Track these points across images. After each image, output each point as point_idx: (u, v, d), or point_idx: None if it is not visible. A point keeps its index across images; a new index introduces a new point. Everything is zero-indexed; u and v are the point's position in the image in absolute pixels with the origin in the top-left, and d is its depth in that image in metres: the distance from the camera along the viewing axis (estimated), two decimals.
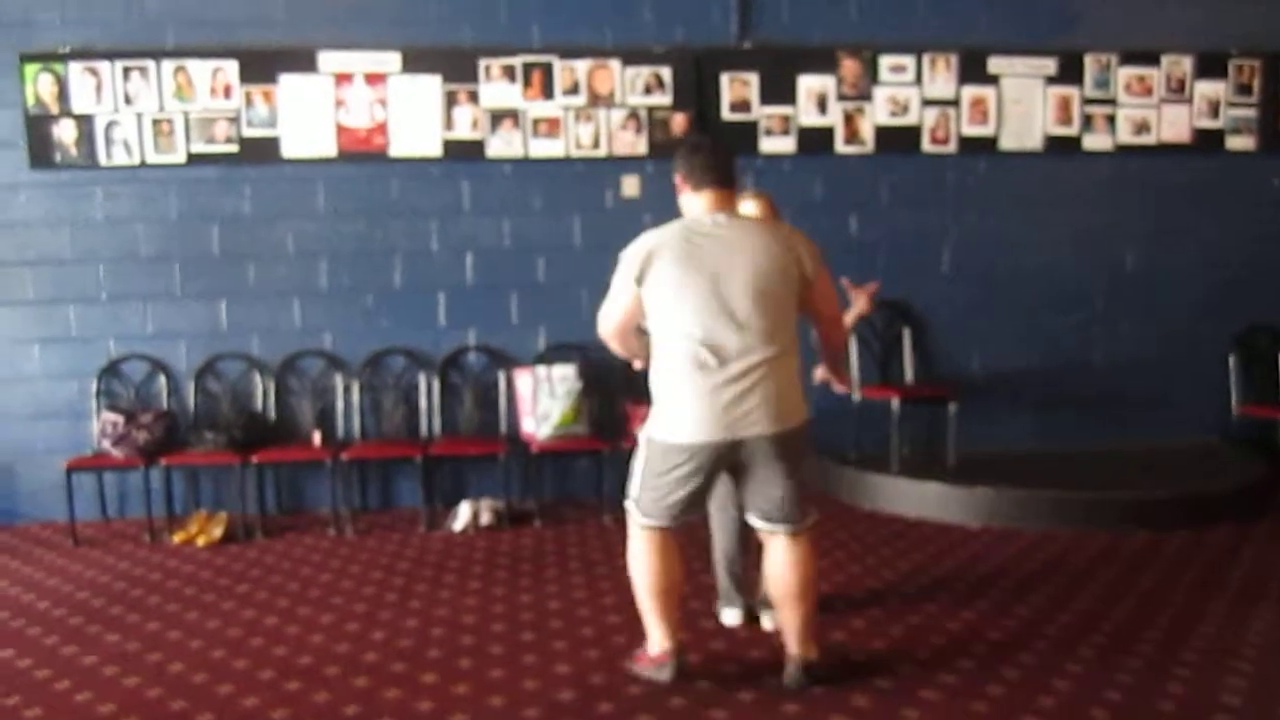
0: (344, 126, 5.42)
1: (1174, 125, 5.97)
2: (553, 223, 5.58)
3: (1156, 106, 5.94)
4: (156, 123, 5.33)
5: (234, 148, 5.38)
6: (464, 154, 5.49)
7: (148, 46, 5.29)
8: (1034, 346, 5.94)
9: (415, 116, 5.44)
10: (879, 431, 5.41)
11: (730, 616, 3.69)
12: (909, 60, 5.71)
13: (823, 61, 5.66)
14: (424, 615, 3.87)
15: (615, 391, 5.40)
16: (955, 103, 5.77)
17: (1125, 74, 5.89)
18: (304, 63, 5.36)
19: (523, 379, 5.43)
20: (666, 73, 5.53)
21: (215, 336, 5.46)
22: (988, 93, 5.79)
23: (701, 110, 5.58)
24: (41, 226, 5.33)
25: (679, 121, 5.56)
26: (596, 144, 5.54)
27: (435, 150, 5.48)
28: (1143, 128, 5.94)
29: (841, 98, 5.69)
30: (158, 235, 5.40)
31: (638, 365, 3.41)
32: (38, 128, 5.28)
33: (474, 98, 5.46)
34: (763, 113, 5.64)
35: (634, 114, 5.55)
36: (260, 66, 5.34)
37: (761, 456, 3.03)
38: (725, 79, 5.60)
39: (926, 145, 5.78)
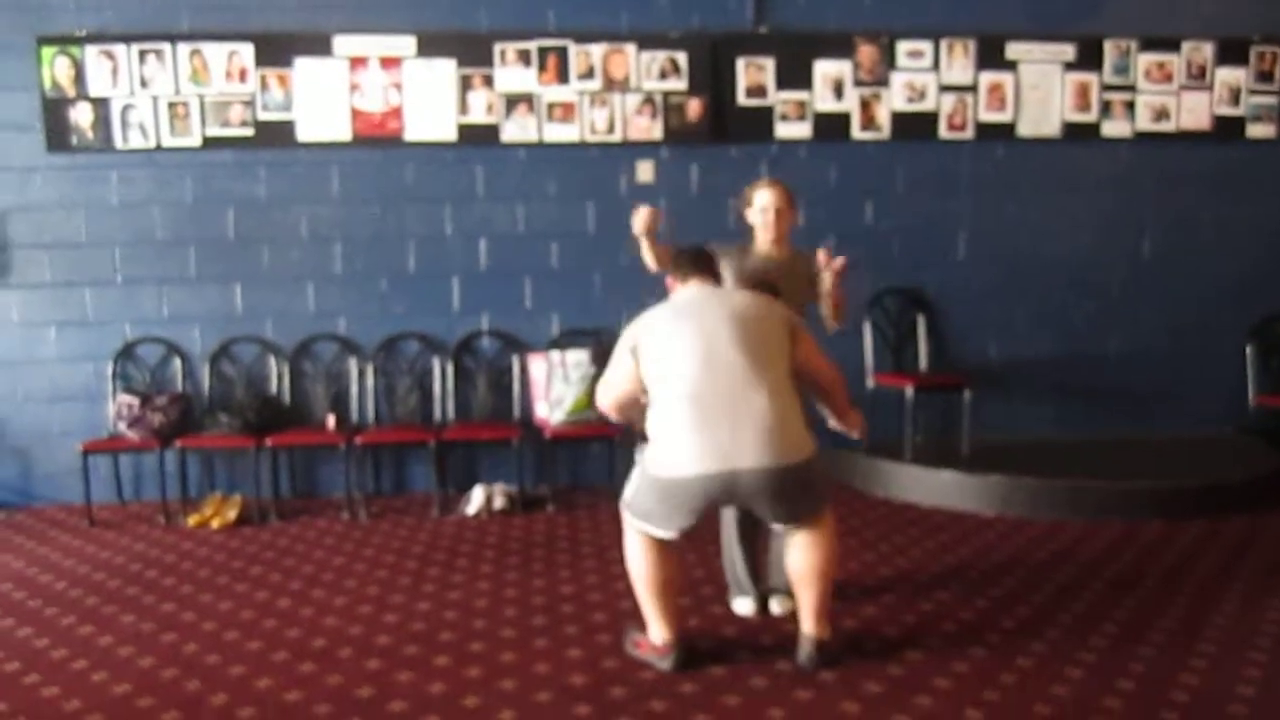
0: (359, 111, 5.42)
1: (1194, 112, 5.91)
2: (567, 208, 5.57)
3: (1176, 93, 5.88)
4: (172, 106, 5.34)
5: (249, 131, 5.38)
6: (479, 139, 5.48)
7: (163, 30, 5.30)
8: (1050, 335, 5.91)
9: (430, 101, 5.44)
10: (893, 419, 5.39)
11: (742, 605, 3.69)
12: (926, 46, 5.67)
13: (839, 47, 5.63)
14: (436, 599, 3.89)
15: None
16: (973, 89, 5.73)
17: (1145, 60, 5.83)
18: (319, 46, 5.36)
19: (536, 364, 5.43)
20: (682, 57, 5.50)
21: (230, 320, 5.48)
22: (1005, 79, 5.74)
23: (717, 95, 5.55)
24: (57, 209, 5.35)
25: (694, 107, 5.54)
26: (611, 129, 5.52)
27: (450, 135, 5.47)
28: (1162, 115, 5.88)
29: (858, 83, 5.66)
30: (173, 219, 5.42)
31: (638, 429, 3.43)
32: (54, 111, 5.29)
33: (489, 82, 5.45)
34: (778, 98, 5.61)
35: (649, 99, 5.52)
36: (275, 50, 5.34)
37: (761, 493, 3.03)
38: (741, 64, 5.57)
39: (943, 132, 5.74)
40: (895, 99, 5.69)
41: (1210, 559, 4.26)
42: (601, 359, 5.30)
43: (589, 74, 5.49)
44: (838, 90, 5.64)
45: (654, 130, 5.55)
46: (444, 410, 5.52)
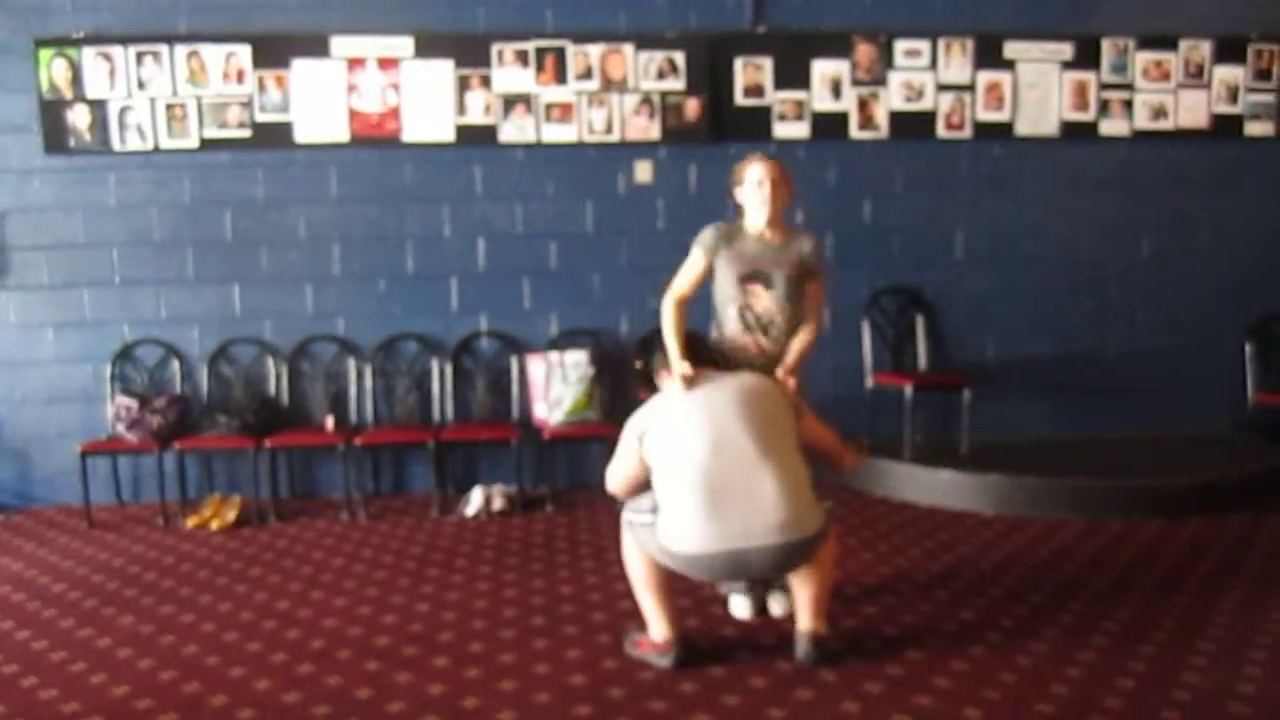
0: (356, 111, 5.41)
1: (1192, 111, 5.91)
2: (565, 208, 5.57)
3: (1174, 92, 5.88)
4: (170, 108, 5.33)
5: (247, 133, 5.38)
6: (477, 139, 5.48)
7: (161, 31, 5.29)
8: (1049, 334, 5.91)
9: (428, 101, 5.43)
10: (892, 418, 5.39)
11: (739, 607, 3.68)
12: (924, 45, 5.67)
13: (837, 46, 5.62)
14: (436, 600, 3.88)
15: (628, 377, 5.39)
16: (970, 88, 5.73)
17: (1143, 59, 5.83)
18: (317, 47, 5.36)
19: (535, 365, 5.43)
20: (680, 57, 5.50)
21: (228, 321, 5.47)
22: (1003, 78, 5.74)
23: (715, 95, 5.55)
24: (55, 211, 5.35)
25: (692, 106, 5.53)
26: (609, 129, 5.52)
27: (448, 135, 5.47)
28: (1160, 113, 5.88)
29: (856, 83, 5.65)
30: (171, 220, 5.41)
31: None
32: (52, 113, 5.29)
33: (486, 83, 5.45)
34: (776, 98, 5.61)
35: (647, 99, 5.52)
36: (273, 51, 5.34)
37: (768, 566, 3.06)
38: (739, 64, 5.57)
39: (941, 131, 5.74)
40: (893, 98, 5.69)
41: (1210, 557, 4.26)
42: (601, 360, 5.34)
43: (587, 74, 5.49)
44: (835, 90, 5.64)
45: (652, 130, 5.54)
46: (443, 411, 5.51)
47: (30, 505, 5.41)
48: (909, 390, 5.33)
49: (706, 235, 3.57)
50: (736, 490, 3.01)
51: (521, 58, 5.45)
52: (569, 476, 5.62)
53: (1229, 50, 5.89)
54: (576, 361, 5.34)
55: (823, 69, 5.63)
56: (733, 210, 3.71)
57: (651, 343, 3.57)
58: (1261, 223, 5.98)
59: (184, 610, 3.82)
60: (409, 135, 5.45)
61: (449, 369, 5.51)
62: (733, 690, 3.05)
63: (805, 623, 3.21)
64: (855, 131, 5.69)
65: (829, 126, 5.65)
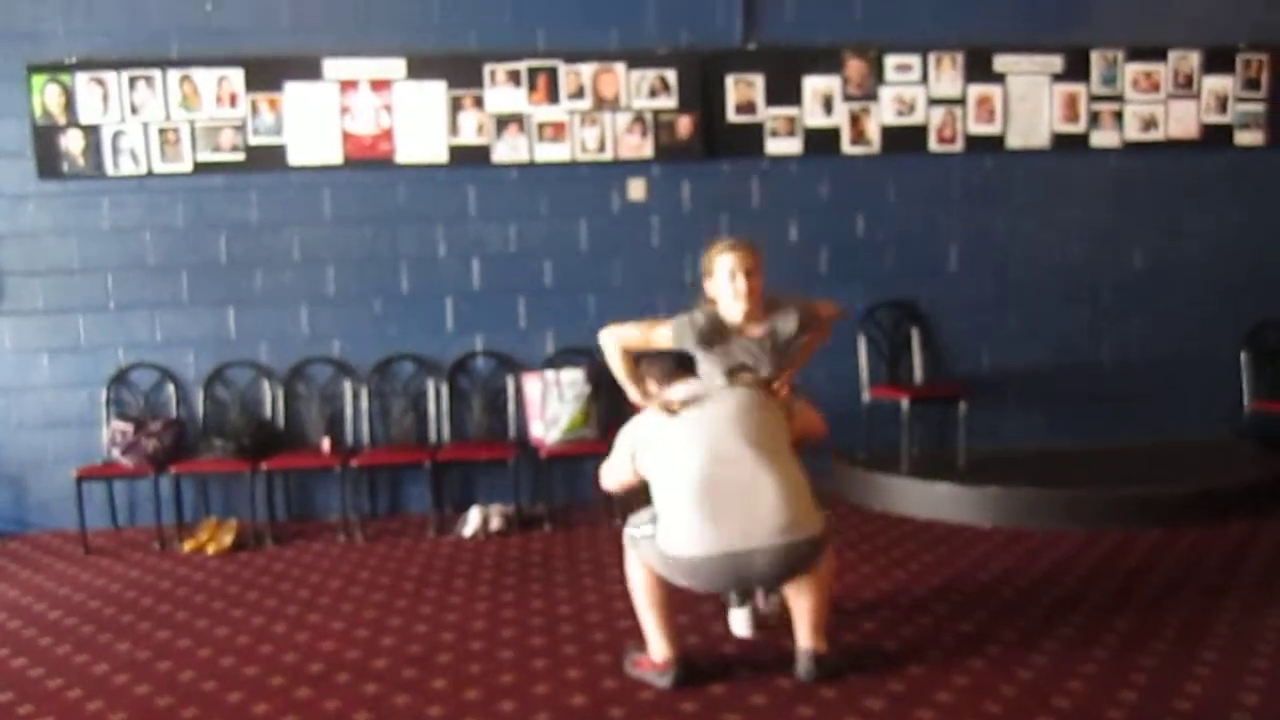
0: (350, 133, 5.43)
1: (1182, 121, 5.93)
2: (559, 227, 5.58)
3: (1164, 102, 5.90)
4: (163, 132, 5.34)
5: (240, 156, 5.39)
6: (470, 159, 5.49)
7: (153, 56, 5.30)
8: (1044, 344, 5.91)
9: (421, 122, 5.45)
10: (889, 432, 5.39)
11: (738, 623, 3.65)
12: (914, 59, 5.69)
13: (828, 62, 5.64)
14: (434, 621, 3.87)
15: (624, 395, 5.38)
16: (961, 101, 5.75)
17: (1132, 70, 5.86)
18: (309, 70, 5.37)
19: (531, 383, 5.43)
20: (671, 75, 5.52)
21: (223, 344, 5.47)
22: (994, 91, 5.76)
23: (707, 112, 5.56)
24: (49, 236, 5.35)
25: (684, 124, 5.55)
26: (602, 148, 5.53)
27: (441, 156, 5.48)
28: (1150, 124, 5.90)
29: (847, 98, 5.67)
30: (165, 244, 5.41)
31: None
32: (45, 138, 5.29)
33: (479, 103, 5.46)
34: (768, 114, 5.63)
35: (639, 117, 5.54)
36: (265, 74, 5.35)
37: (771, 568, 3.04)
38: (730, 81, 5.59)
39: (933, 144, 5.75)
40: (885, 113, 5.70)
41: (1210, 565, 4.26)
42: (597, 378, 5.33)
43: (579, 93, 5.51)
44: (827, 105, 5.66)
45: (645, 148, 5.56)
46: (439, 431, 5.51)
47: (26, 531, 5.39)
48: (905, 403, 5.33)
49: (687, 335, 3.31)
50: (735, 495, 3.01)
51: (514, 78, 5.47)
52: (566, 495, 5.60)
53: (1218, 60, 5.91)
54: (572, 380, 5.33)
55: (814, 85, 5.65)
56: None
57: (651, 360, 3.55)
58: (1254, 231, 5.99)
59: (180, 635, 3.80)
60: (402, 156, 5.46)
61: (445, 389, 5.51)
62: (733, 709, 3.04)
63: (805, 640, 3.19)
64: (847, 146, 5.70)
65: (821, 142, 5.66)
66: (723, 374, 3.34)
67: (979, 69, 5.73)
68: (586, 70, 5.49)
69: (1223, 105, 5.95)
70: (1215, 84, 5.93)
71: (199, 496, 5.44)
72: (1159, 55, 5.87)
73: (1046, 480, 5.08)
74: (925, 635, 3.58)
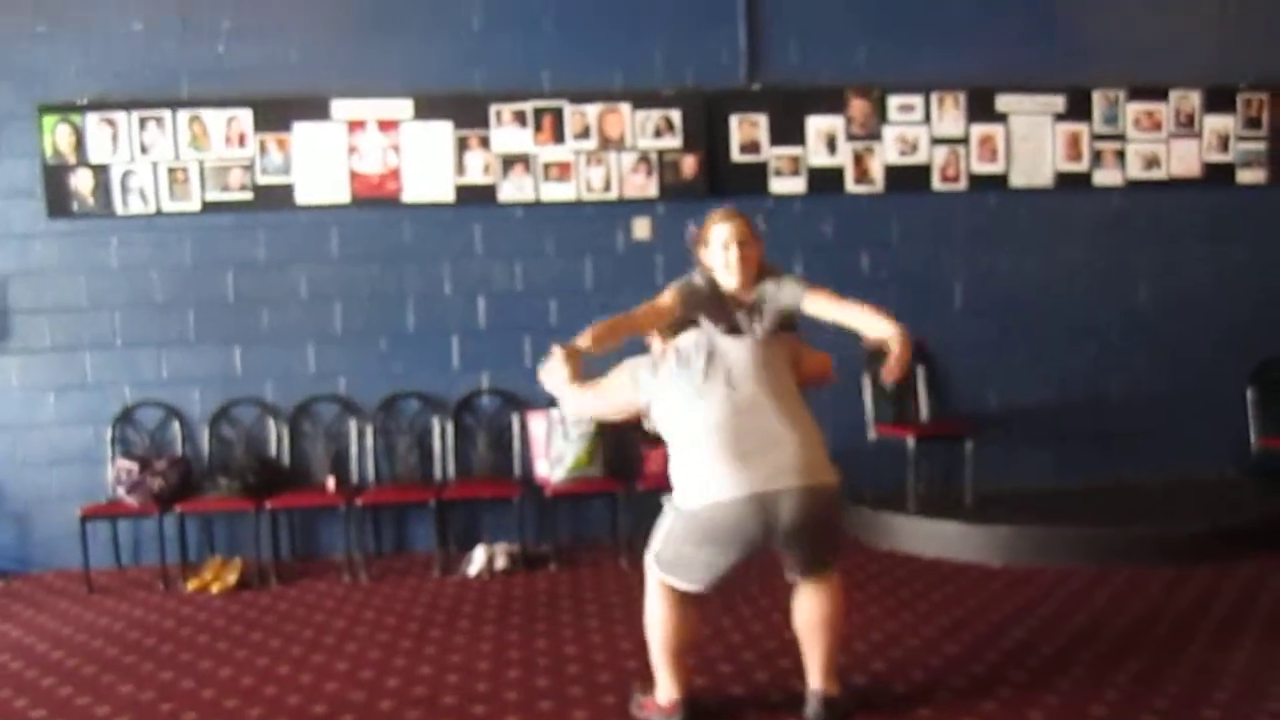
0: (357, 173, 5.47)
1: (1184, 160, 5.97)
2: (565, 266, 5.60)
3: (1166, 141, 5.95)
4: (172, 171, 5.39)
5: (248, 195, 5.43)
6: (476, 198, 5.52)
7: (163, 97, 5.36)
8: (1050, 382, 5.91)
9: (427, 162, 5.49)
10: (895, 471, 5.36)
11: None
12: (917, 99, 5.74)
13: (831, 102, 5.70)
14: (438, 662, 3.84)
15: (629, 433, 5.38)
16: (964, 141, 5.79)
17: (1134, 109, 5.90)
18: (317, 110, 5.42)
19: (536, 422, 5.42)
20: (676, 115, 5.56)
21: (229, 382, 5.47)
22: (996, 130, 5.81)
23: (711, 152, 5.60)
24: (58, 275, 5.38)
25: (689, 163, 5.59)
26: (608, 187, 5.57)
27: (448, 195, 5.52)
28: (1153, 163, 5.94)
29: (851, 137, 5.71)
30: (172, 282, 5.44)
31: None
32: (55, 178, 5.34)
33: (485, 143, 5.51)
34: (772, 154, 5.67)
35: (644, 157, 5.58)
36: (274, 115, 5.40)
37: (796, 517, 2.96)
38: (734, 120, 5.63)
39: (937, 183, 5.79)
40: (888, 152, 5.75)
41: (1221, 605, 4.22)
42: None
43: (584, 133, 5.55)
44: (831, 145, 5.70)
45: (650, 187, 5.59)
46: (444, 469, 5.50)
47: (29, 570, 5.37)
48: (911, 441, 5.32)
49: (690, 298, 3.29)
50: (756, 440, 2.99)
51: (519, 118, 5.52)
52: (572, 534, 5.58)
53: (1218, 100, 5.96)
54: (578, 418, 5.33)
55: (818, 125, 5.69)
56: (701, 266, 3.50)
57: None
58: (1257, 269, 6.00)
59: (183, 676, 3.77)
60: (409, 195, 5.50)
61: (450, 427, 5.50)
62: None
63: (816, 682, 3.16)
64: (851, 185, 5.74)
65: (825, 181, 5.70)
66: (723, 334, 3.30)
67: (981, 109, 5.78)
68: (592, 110, 5.54)
69: (1224, 144, 5.99)
70: (1216, 123, 5.97)
71: (203, 535, 5.42)
72: (1160, 95, 5.92)
73: (1055, 518, 5.06)
74: (935, 677, 3.55)
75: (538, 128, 5.53)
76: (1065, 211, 5.89)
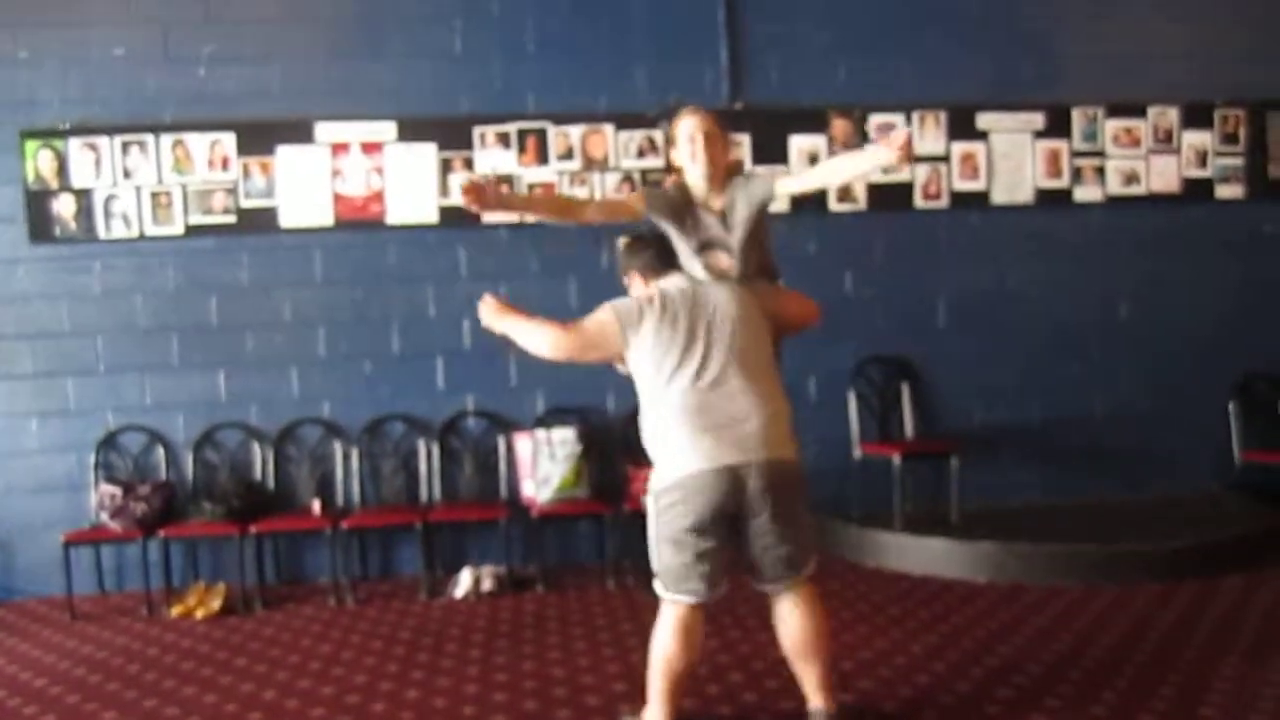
0: (341, 195, 5.47)
1: (1163, 175, 6.03)
2: (549, 286, 5.60)
3: (1145, 157, 6.00)
4: (155, 195, 5.38)
5: (232, 218, 5.42)
6: (460, 220, 5.51)
7: (146, 121, 5.36)
8: (1034, 399, 5.93)
9: (411, 184, 5.50)
10: (881, 488, 5.37)
11: None
12: (898, 118, 5.78)
13: (813, 121, 5.73)
14: (425, 686, 3.81)
15: (616, 454, 5.39)
16: (946, 159, 5.83)
17: (1113, 126, 5.96)
18: (301, 134, 5.43)
19: (522, 443, 5.41)
20: (659, 136, 5.59)
21: (213, 406, 5.45)
22: (977, 148, 5.85)
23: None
24: (40, 300, 5.35)
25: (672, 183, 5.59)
26: None
27: (432, 217, 5.52)
28: (1132, 179, 5.99)
29: (833, 156, 5.74)
30: (156, 307, 5.42)
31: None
32: (37, 203, 5.32)
33: (469, 164, 5.52)
34: (755, 173, 5.68)
35: (628, 177, 5.60)
36: (257, 138, 5.40)
37: (764, 492, 2.99)
38: None
39: (919, 201, 5.83)
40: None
41: (1208, 620, 4.23)
42: (588, 437, 5.32)
43: (568, 154, 5.57)
44: (813, 164, 5.71)
45: None
46: (430, 491, 5.48)
47: (12, 598, 5.32)
48: (897, 459, 5.33)
49: (656, 201, 3.32)
50: (724, 415, 3.03)
51: (503, 139, 5.54)
52: (559, 555, 5.55)
53: (1196, 116, 6.02)
54: (564, 439, 5.32)
55: (800, 144, 5.73)
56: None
57: (634, 248, 3.42)
58: (1236, 283, 6.05)
59: (167, 703, 3.74)
60: (393, 218, 5.50)
61: (436, 449, 5.49)
62: None
63: (817, 700, 3.14)
64: (834, 204, 5.77)
65: (808, 200, 5.71)
66: (695, 252, 3.29)
67: (962, 127, 5.83)
68: (575, 132, 5.56)
69: (1202, 160, 6.05)
70: (1194, 139, 6.03)
71: (187, 560, 5.38)
72: (1139, 111, 5.98)
73: (1040, 535, 5.07)
74: (922, 695, 3.54)
75: (521, 149, 5.55)
76: (1047, 228, 5.93)
